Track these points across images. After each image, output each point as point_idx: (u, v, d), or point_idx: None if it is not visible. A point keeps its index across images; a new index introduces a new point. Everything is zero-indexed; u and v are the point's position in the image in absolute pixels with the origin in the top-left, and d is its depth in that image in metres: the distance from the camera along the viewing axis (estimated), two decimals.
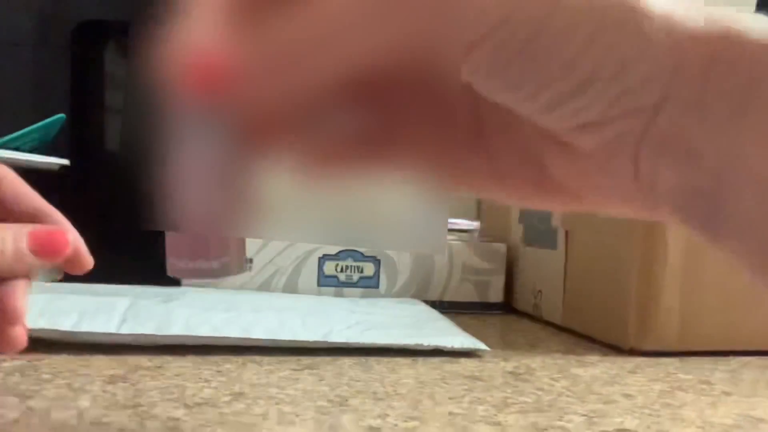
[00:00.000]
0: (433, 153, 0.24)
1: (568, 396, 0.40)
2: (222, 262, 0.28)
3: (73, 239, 0.34)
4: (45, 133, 0.73)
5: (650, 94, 0.21)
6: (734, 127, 0.20)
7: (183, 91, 0.20)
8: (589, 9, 0.20)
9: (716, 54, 0.20)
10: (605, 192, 0.24)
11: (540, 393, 0.41)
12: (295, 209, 0.24)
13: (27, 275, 0.35)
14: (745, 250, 0.22)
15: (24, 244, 0.32)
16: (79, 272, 0.35)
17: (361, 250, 0.70)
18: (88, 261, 0.36)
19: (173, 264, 0.28)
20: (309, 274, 0.70)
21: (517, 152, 0.25)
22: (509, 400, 0.39)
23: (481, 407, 0.37)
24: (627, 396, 0.41)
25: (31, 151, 0.70)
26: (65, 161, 0.71)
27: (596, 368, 0.48)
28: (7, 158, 0.64)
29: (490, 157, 0.25)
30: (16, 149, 0.68)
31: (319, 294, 0.69)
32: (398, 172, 0.24)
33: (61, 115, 0.75)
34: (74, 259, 0.34)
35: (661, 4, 0.20)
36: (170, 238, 0.28)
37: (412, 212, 0.24)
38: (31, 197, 0.36)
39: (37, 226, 0.34)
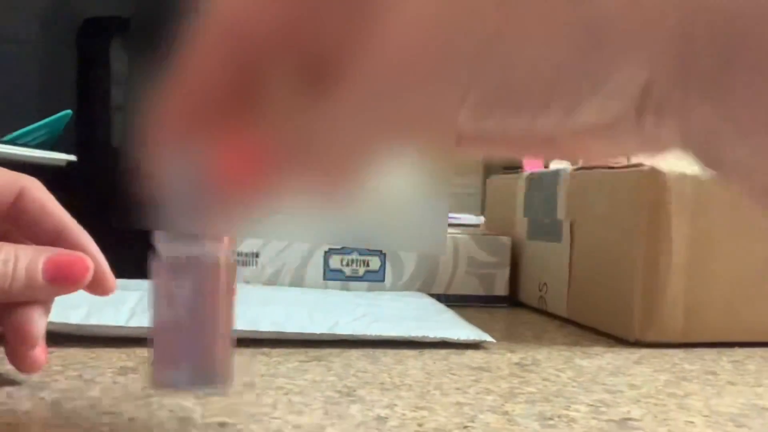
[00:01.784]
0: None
1: (573, 386, 0.41)
2: (195, 372, 0.25)
3: (93, 265, 0.33)
4: (52, 130, 0.74)
5: (634, 85, 0.21)
6: (718, 91, 0.20)
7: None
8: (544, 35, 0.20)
9: (690, 25, 0.20)
10: (609, 149, 0.25)
11: (546, 383, 0.41)
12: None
13: (44, 300, 0.34)
14: (747, 190, 0.23)
15: (39, 272, 0.31)
16: (102, 295, 0.35)
17: None
18: (111, 285, 0.35)
19: (153, 376, 0.25)
20: (315, 268, 0.70)
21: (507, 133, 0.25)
22: (516, 390, 0.39)
23: (488, 397, 0.37)
24: (632, 386, 0.41)
25: (38, 147, 0.70)
26: (72, 157, 0.71)
27: (601, 359, 0.48)
28: (15, 154, 0.65)
29: (480, 137, 0.26)
30: (24, 145, 0.68)
31: (325, 288, 0.70)
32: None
33: (68, 111, 0.75)
34: (95, 284, 0.34)
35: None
36: (154, 349, 0.25)
37: (412, 212, 0.25)
38: (56, 214, 0.34)
39: (56, 252, 0.32)
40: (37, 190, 0.34)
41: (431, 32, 0.20)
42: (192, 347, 0.25)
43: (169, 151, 0.23)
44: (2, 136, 0.70)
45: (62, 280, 0.32)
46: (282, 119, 0.22)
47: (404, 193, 0.24)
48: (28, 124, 0.73)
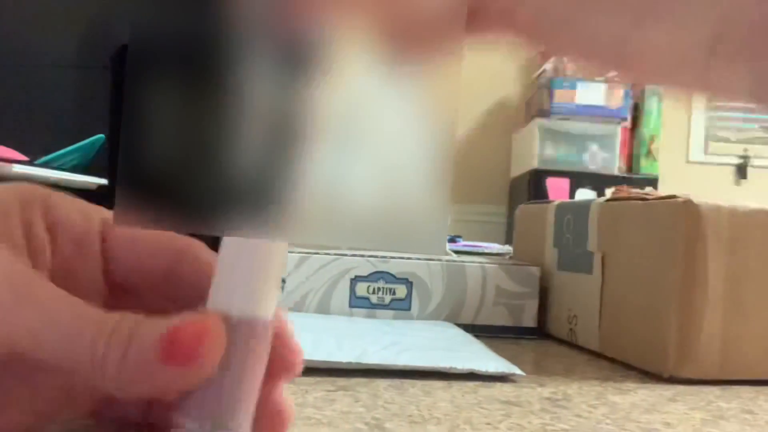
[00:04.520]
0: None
1: (607, 423, 0.40)
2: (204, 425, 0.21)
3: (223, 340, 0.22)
4: (85, 153, 0.75)
5: (706, 24, 0.21)
6: None
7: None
8: None
9: None
10: (671, 80, 0.24)
11: (579, 420, 0.40)
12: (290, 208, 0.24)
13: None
14: None
15: (151, 354, 0.18)
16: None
17: (393, 272, 0.70)
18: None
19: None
20: (341, 295, 0.69)
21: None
22: (548, 427, 0.38)
23: None
24: (668, 425, 0.40)
25: (71, 170, 0.71)
26: (104, 181, 0.72)
27: (635, 395, 0.47)
28: (48, 177, 0.65)
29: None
30: (56, 169, 0.69)
31: (351, 315, 0.69)
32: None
33: (101, 136, 0.76)
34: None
35: None
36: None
37: (412, 212, 0.24)
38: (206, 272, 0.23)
39: (178, 322, 0.19)
40: (203, 253, 0.24)
41: None
42: (218, 399, 0.21)
43: None
44: (36, 159, 0.71)
45: (184, 361, 0.19)
46: None
47: (403, 191, 0.24)
48: (62, 148, 0.74)
